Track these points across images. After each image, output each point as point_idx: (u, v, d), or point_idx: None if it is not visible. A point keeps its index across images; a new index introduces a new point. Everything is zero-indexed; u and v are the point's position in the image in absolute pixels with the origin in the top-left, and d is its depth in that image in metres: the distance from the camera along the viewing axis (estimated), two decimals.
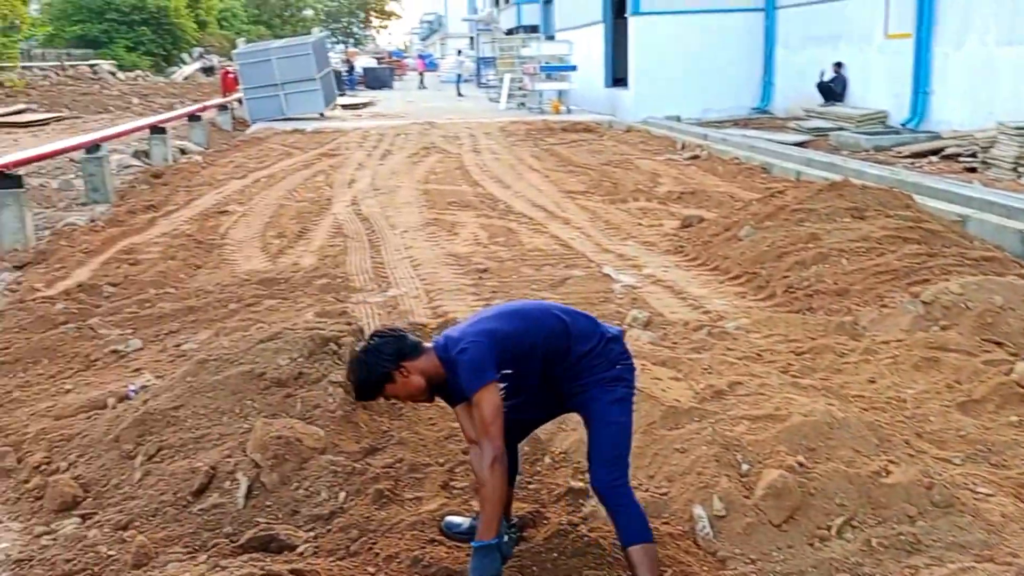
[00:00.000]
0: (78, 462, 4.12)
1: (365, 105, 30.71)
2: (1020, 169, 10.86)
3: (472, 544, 2.92)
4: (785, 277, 7.10)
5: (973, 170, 11.70)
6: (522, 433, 3.42)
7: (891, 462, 3.61)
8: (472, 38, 54.74)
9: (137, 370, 5.55)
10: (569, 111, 25.18)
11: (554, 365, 3.04)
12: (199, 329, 6.46)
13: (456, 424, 4.72)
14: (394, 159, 16.65)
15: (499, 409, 2.87)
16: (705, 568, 3.21)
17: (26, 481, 4.06)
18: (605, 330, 3.14)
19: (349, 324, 5.07)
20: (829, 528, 3.34)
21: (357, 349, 3.09)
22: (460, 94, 36.42)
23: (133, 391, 5.04)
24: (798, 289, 6.87)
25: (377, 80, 44.41)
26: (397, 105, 30.62)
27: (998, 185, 10.46)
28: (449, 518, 3.62)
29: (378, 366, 2.95)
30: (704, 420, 3.87)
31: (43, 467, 4.14)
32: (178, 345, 6.09)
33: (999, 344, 5.19)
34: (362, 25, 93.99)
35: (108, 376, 5.50)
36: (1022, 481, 3.74)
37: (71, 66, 37.33)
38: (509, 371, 2.95)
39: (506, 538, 3.09)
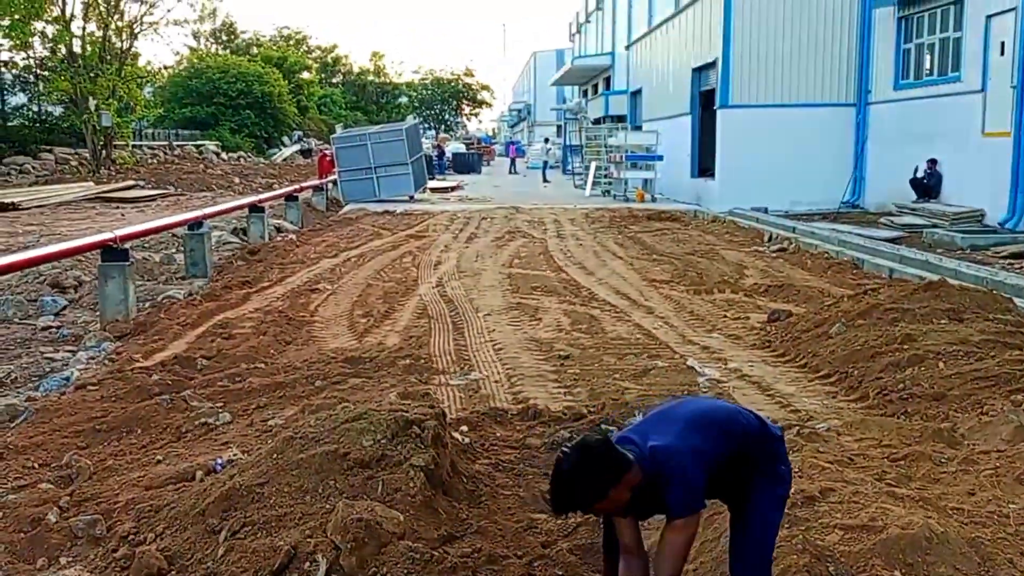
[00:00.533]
0: (164, 533, 4.20)
1: (453, 189, 31.49)
2: None
3: None
4: (879, 378, 6.87)
5: None
6: None
7: None
8: (559, 126, 55.91)
9: (225, 443, 5.67)
10: (654, 199, 25.31)
11: (732, 469, 3.01)
12: (286, 405, 6.59)
13: (536, 516, 4.69)
14: (479, 242, 16.93)
15: (692, 541, 2.87)
16: None
17: (114, 551, 4.16)
18: (772, 429, 3.15)
19: (432, 407, 5.10)
20: None
21: (569, 457, 2.75)
22: (546, 180, 37.02)
23: (220, 465, 5.14)
24: (892, 391, 6.64)
25: (466, 165, 45.63)
26: (484, 189, 31.30)
27: None
28: None
29: (600, 483, 2.73)
30: (794, 527, 3.73)
31: (131, 537, 4.23)
32: (265, 420, 6.22)
33: None
34: (454, 112, 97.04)
35: (197, 448, 5.63)
36: None
37: (178, 146, 39.51)
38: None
39: None
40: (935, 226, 15.73)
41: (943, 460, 5.17)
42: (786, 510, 3.94)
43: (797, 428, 5.82)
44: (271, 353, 8.26)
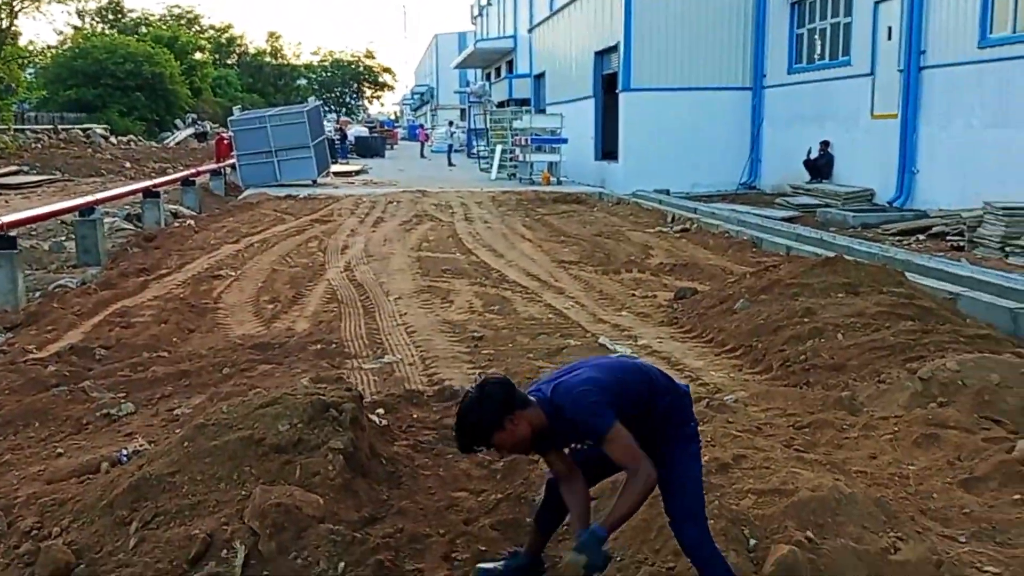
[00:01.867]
0: (71, 527, 4.02)
1: (357, 172, 31.02)
2: (1007, 248, 11.04)
3: (595, 529, 2.99)
4: (781, 351, 7.12)
5: (960, 248, 11.88)
6: (592, 480, 3.50)
7: (899, 539, 3.58)
8: (463, 109, 55.69)
9: (130, 434, 5.47)
10: (560, 182, 25.52)
11: (642, 420, 3.14)
12: (192, 394, 6.40)
13: (457, 494, 4.69)
14: (387, 226, 16.76)
15: (630, 437, 2.98)
16: None
17: (16, 547, 3.95)
18: (679, 385, 3.31)
19: (349, 390, 5.03)
20: None
21: (470, 395, 3.11)
22: (451, 164, 36.87)
23: (125, 456, 4.96)
24: (795, 363, 6.89)
25: (369, 148, 44.97)
26: (389, 173, 30.94)
27: (986, 264, 10.61)
28: (480, 565, 3.75)
29: (492, 413, 3.00)
30: (710, 493, 3.82)
31: (34, 532, 4.03)
32: (171, 410, 6.02)
33: (997, 422, 5.21)
34: (355, 95, 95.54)
35: (100, 440, 5.41)
36: None
37: (64, 129, 37.67)
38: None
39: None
40: (828, 206, 16.36)
41: (845, 426, 5.41)
42: (702, 478, 4.06)
43: (707, 400, 5.97)
44: (174, 341, 8.00)
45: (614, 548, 3.93)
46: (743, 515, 3.70)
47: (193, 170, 23.47)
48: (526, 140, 26.04)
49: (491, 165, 29.67)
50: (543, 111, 30.18)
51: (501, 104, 37.01)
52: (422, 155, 45.50)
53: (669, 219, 17.16)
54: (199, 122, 52.48)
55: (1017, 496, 4.37)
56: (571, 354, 7.55)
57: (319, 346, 7.78)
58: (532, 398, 3.10)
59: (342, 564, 3.79)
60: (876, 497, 3.92)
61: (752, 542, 3.57)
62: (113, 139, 39.39)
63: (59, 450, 5.24)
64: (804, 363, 6.82)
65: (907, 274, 8.80)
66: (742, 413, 5.69)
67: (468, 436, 3.06)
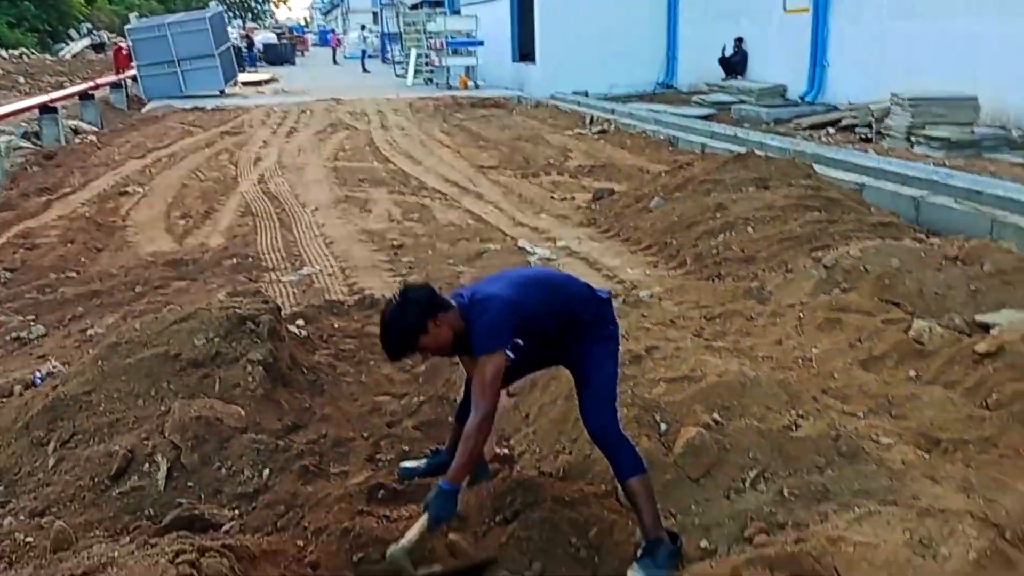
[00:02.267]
0: None
1: (267, 82, 29.92)
2: (913, 138, 11.37)
3: (440, 485, 3.00)
4: (695, 246, 7.30)
5: (868, 140, 12.19)
6: (510, 383, 3.57)
7: (800, 417, 3.78)
8: (376, 13, 53.86)
9: (42, 356, 5.36)
10: (477, 86, 25.10)
11: (561, 331, 3.20)
12: (105, 313, 6.26)
13: (379, 398, 4.75)
14: (300, 136, 16.32)
15: (500, 374, 3.00)
16: (629, 523, 3.32)
17: None
18: (599, 293, 3.35)
19: (266, 303, 4.99)
20: (744, 481, 3.48)
21: (392, 302, 3.09)
22: (365, 70, 35.86)
23: (39, 378, 4.87)
24: (707, 257, 7.08)
25: (278, 56, 43.28)
26: (301, 81, 29.91)
27: (892, 154, 10.94)
28: (404, 464, 3.82)
29: (416, 316, 2.99)
30: (623, 384, 3.96)
31: None
32: (83, 330, 5.90)
33: (896, 304, 5.47)
34: (260, 0, 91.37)
35: (12, 364, 5.29)
36: (921, 431, 3.97)
37: None
38: (520, 342, 3.09)
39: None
40: (742, 102, 16.52)
41: (753, 315, 5.62)
42: (617, 375, 4.20)
43: (623, 297, 6.13)
44: (82, 261, 7.76)
45: (533, 439, 4.08)
46: (654, 402, 3.85)
47: (92, 83, 22.27)
48: (441, 43, 25.43)
49: (406, 71, 28.95)
50: (458, 13, 29.39)
51: (415, 7, 35.87)
52: (334, 61, 44.12)
53: (587, 121, 17.11)
54: (95, 32, 49.61)
55: (912, 372, 4.64)
56: (491, 259, 7.61)
57: (235, 260, 7.65)
58: (452, 302, 3.12)
59: (267, 471, 3.84)
60: (780, 379, 4.12)
61: (663, 427, 3.72)
62: (3, 52, 37.09)
63: None
64: (716, 257, 7.01)
65: (816, 166, 9.03)
66: (656, 307, 5.87)
67: (395, 342, 3.05)
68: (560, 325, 3.20)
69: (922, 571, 2.73)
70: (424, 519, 3.01)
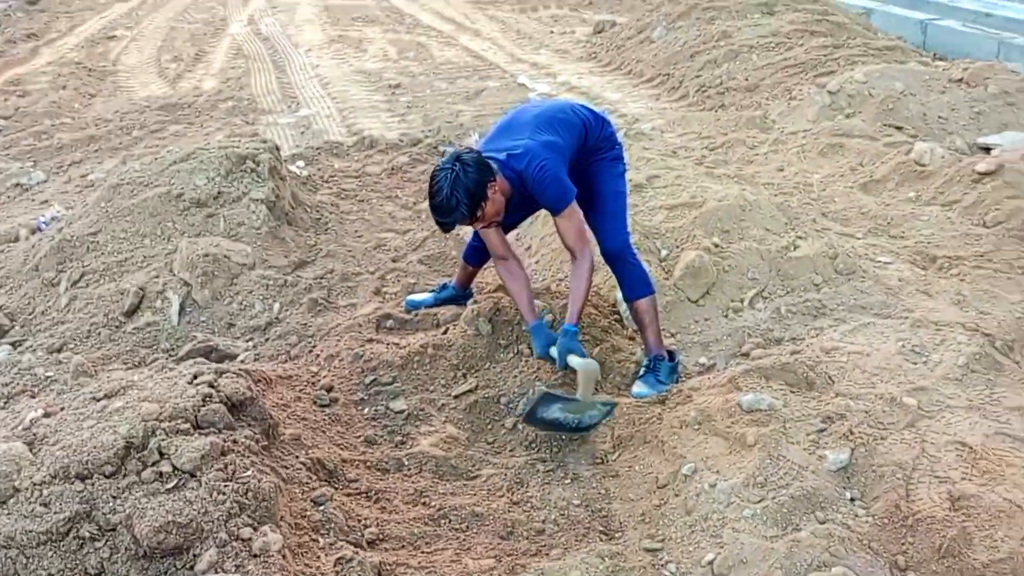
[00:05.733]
0: None
1: None
2: None
3: (564, 327, 3.08)
4: (697, 76, 7.15)
5: None
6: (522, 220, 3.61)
7: (799, 238, 3.83)
8: None
9: (45, 202, 5.37)
10: None
11: (577, 159, 3.17)
12: (103, 158, 6.23)
13: (383, 235, 4.79)
14: None
15: (582, 218, 3.06)
16: (629, 342, 3.42)
17: None
18: (603, 115, 3.32)
19: (264, 142, 4.95)
20: (742, 300, 3.57)
21: (443, 171, 2.89)
22: None
23: (44, 222, 4.90)
24: (710, 88, 6.94)
25: None
26: None
27: None
28: (410, 297, 3.87)
29: (478, 183, 2.86)
30: None
31: None
32: (84, 175, 5.88)
33: (899, 128, 5.42)
34: None
35: (15, 210, 5.30)
36: (918, 249, 4.02)
37: None
38: None
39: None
40: None
41: (756, 144, 5.58)
42: (626, 193, 4.22)
43: (624, 130, 6.06)
44: (76, 107, 7.63)
45: (536, 268, 4.15)
46: (655, 229, 3.89)
47: None
48: None
49: None
50: None
51: None
52: None
53: None
54: None
55: (912, 193, 4.66)
56: (491, 96, 7.48)
57: (230, 103, 7.53)
58: (492, 164, 2.97)
59: (277, 305, 3.93)
60: (780, 203, 4.14)
61: (664, 252, 3.78)
62: None
63: None
64: (719, 87, 6.88)
65: None
66: (658, 139, 5.83)
67: (456, 209, 2.87)
68: (579, 155, 3.18)
69: (913, 375, 2.83)
70: (574, 362, 3.04)
